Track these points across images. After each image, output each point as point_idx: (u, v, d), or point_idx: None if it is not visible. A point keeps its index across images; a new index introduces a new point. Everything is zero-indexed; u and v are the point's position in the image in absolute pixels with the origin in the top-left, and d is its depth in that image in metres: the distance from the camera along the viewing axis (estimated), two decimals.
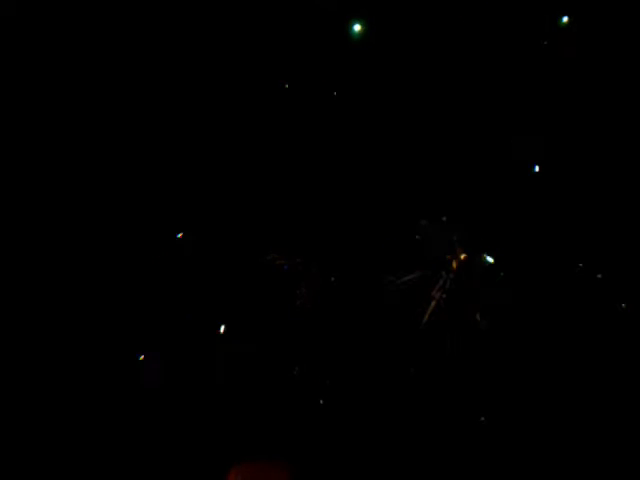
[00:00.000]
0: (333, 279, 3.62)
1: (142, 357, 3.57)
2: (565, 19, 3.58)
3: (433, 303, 3.54)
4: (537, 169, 3.61)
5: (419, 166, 3.66)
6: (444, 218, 3.60)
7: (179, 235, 3.65)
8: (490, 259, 3.58)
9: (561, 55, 3.60)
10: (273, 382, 3.55)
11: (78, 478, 3.48)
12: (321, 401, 3.55)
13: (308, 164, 3.68)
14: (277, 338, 3.58)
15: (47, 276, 3.61)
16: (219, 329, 3.59)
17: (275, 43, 3.67)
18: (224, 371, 3.56)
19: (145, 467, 3.50)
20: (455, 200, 3.63)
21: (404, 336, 3.57)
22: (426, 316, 3.54)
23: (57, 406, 3.54)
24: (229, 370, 3.57)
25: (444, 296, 3.54)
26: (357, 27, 3.65)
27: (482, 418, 3.52)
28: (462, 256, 3.58)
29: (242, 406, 3.54)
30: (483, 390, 3.55)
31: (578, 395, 3.52)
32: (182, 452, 3.51)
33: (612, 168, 3.60)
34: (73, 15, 3.64)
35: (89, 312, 3.60)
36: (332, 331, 3.58)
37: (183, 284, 3.62)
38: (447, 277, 3.56)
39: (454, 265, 3.56)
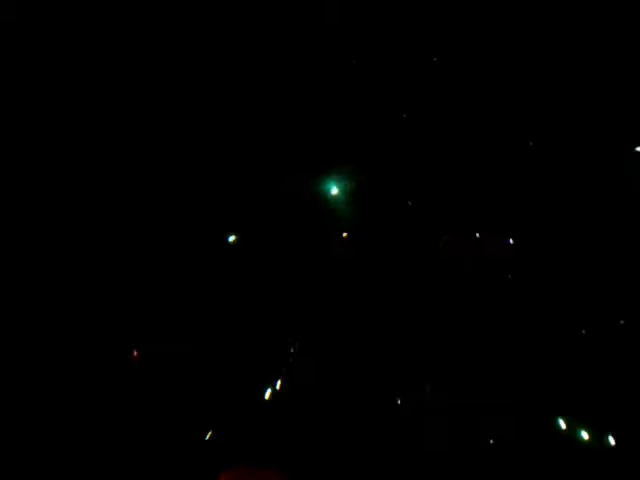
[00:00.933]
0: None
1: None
2: None
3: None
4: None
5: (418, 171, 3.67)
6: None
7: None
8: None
9: None
10: (264, 385, 3.57)
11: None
12: (314, 406, 3.55)
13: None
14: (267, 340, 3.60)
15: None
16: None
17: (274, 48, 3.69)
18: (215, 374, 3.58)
19: (133, 471, 3.51)
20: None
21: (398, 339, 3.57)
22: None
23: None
24: (219, 374, 3.58)
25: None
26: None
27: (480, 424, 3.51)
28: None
29: (232, 409, 3.56)
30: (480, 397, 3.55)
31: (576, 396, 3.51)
32: (172, 455, 3.52)
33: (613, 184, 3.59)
34: (73, 16, 3.68)
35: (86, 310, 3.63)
36: (321, 332, 3.60)
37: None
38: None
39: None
